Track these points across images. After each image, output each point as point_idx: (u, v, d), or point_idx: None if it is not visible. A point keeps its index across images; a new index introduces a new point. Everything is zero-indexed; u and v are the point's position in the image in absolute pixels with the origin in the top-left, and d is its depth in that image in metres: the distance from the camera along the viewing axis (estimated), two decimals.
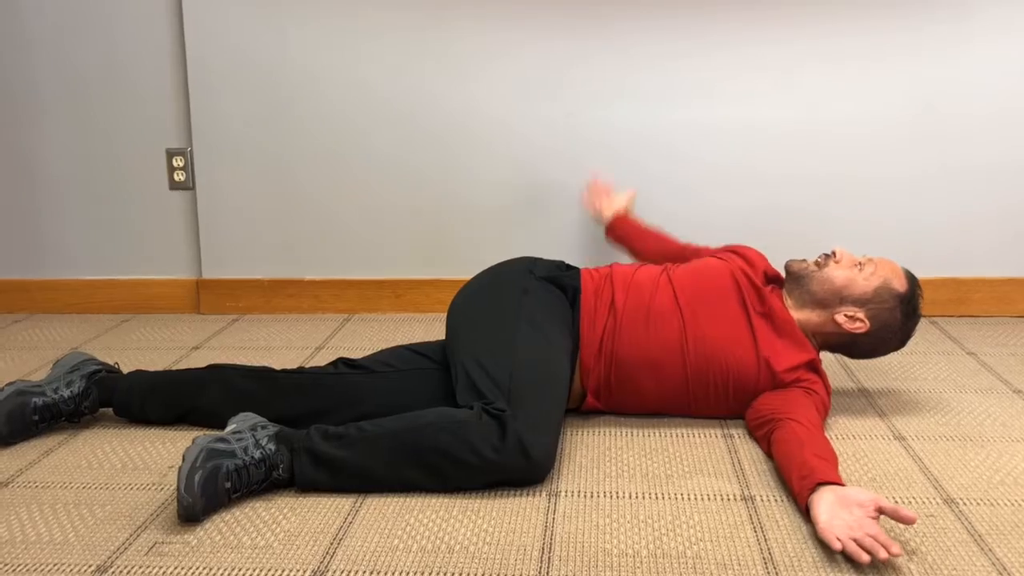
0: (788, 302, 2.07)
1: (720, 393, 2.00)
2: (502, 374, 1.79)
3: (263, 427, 1.72)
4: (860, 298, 2.00)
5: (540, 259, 2.14)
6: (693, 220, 2.90)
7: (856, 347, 2.06)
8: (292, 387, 1.97)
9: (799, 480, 1.64)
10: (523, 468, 1.69)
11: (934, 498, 1.69)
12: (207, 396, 2.00)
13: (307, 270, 3.07)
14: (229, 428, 1.70)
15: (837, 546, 1.45)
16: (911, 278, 2.05)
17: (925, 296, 2.86)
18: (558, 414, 1.82)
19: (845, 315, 2.00)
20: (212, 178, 3.01)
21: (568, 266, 2.14)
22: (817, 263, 2.06)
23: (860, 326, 2.00)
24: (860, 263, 2.03)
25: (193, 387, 2.03)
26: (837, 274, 2.02)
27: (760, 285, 2.05)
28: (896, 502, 1.68)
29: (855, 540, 1.44)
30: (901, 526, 1.58)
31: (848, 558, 1.47)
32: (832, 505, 1.52)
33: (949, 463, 1.85)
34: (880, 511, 1.48)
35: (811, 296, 2.03)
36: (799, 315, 2.05)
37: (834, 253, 2.05)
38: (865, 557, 1.42)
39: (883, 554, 1.42)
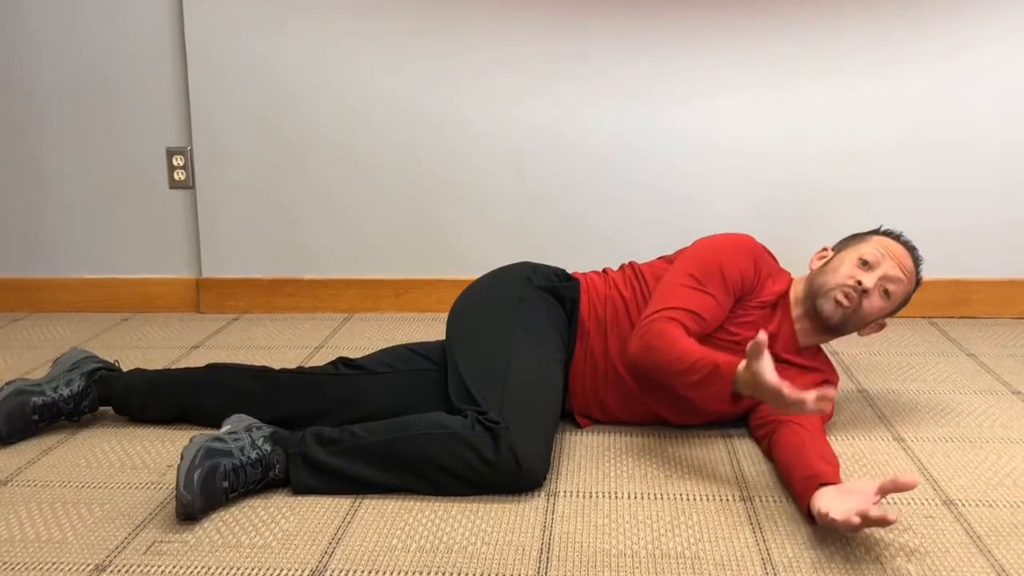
0: (802, 325, 1.98)
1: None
2: (496, 383, 1.79)
3: (258, 428, 1.72)
4: (888, 316, 1.97)
5: (540, 265, 2.12)
6: (688, 225, 2.90)
7: None
8: (291, 387, 1.96)
9: (801, 481, 1.63)
10: (516, 479, 1.69)
11: (933, 499, 1.69)
12: (206, 396, 2.00)
13: (307, 269, 3.07)
14: (224, 428, 1.70)
15: (833, 520, 1.45)
16: (915, 260, 1.96)
17: (924, 297, 2.88)
18: (551, 425, 1.82)
19: (869, 329, 1.98)
20: (212, 177, 3.01)
21: (568, 276, 2.12)
22: (853, 302, 1.89)
23: (879, 328, 1.99)
24: (887, 289, 1.90)
25: (192, 387, 2.03)
26: (871, 311, 1.91)
27: (778, 353, 1.95)
28: (895, 503, 1.68)
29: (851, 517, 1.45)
30: (901, 525, 1.58)
31: (850, 548, 1.47)
32: (833, 498, 1.52)
33: (948, 464, 1.85)
34: (881, 491, 1.46)
35: (842, 331, 1.97)
36: (815, 339, 1.99)
37: (865, 291, 1.88)
38: (856, 520, 1.42)
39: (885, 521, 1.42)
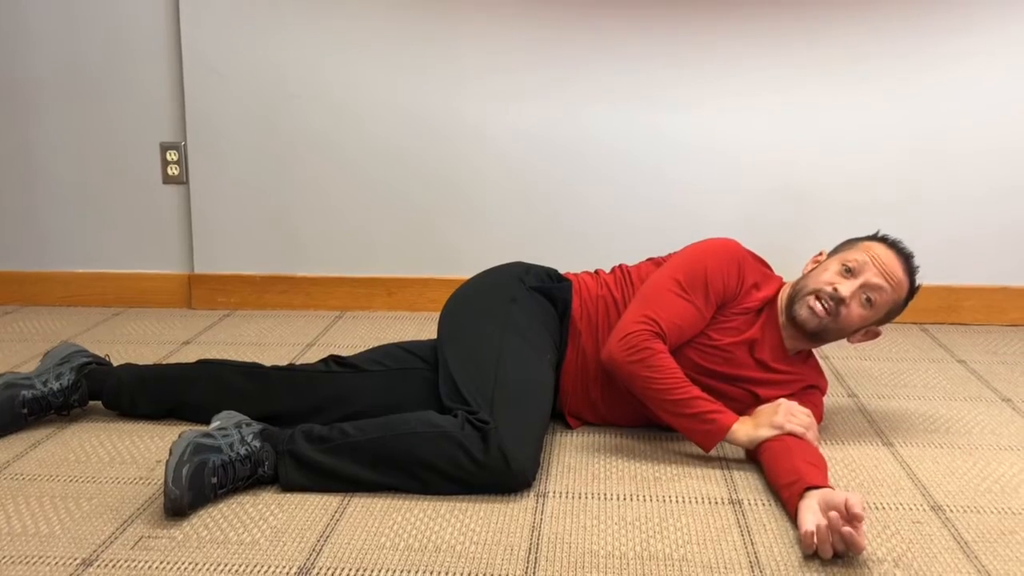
0: (788, 331, 1.96)
1: None
2: (486, 382, 1.79)
3: (247, 424, 1.72)
4: (875, 325, 1.95)
5: (533, 266, 2.12)
6: (681, 230, 2.90)
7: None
8: (282, 384, 1.96)
9: (787, 487, 1.64)
10: (505, 479, 1.69)
11: (921, 505, 1.70)
12: (197, 391, 2.00)
13: (299, 266, 3.06)
14: (214, 425, 1.70)
15: (807, 552, 1.50)
16: (909, 269, 1.93)
17: (915, 304, 2.87)
18: (541, 425, 1.82)
19: (860, 336, 1.97)
20: (206, 173, 3.01)
21: (560, 276, 2.12)
22: (827, 310, 1.87)
23: (872, 336, 1.98)
24: (869, 297, 1.87)
25: (183, 382, 2.02)
26: (852, 319, 1.89)
27: (766, 361, 1.96)
28: (884, 508, 1.68)
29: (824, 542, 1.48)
30: (890, 530, 1.59)
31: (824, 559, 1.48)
32: (815, 512, 1.53)
33: (937, 470, 1.85)
34: (847, 508, 1.46)
35: (827, 338, 1.95)
36: (802, 344, 1.98)
37: (842, 299, 1.86)
38: (828, 552, 1.47)
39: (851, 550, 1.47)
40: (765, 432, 1.78)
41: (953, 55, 2.79)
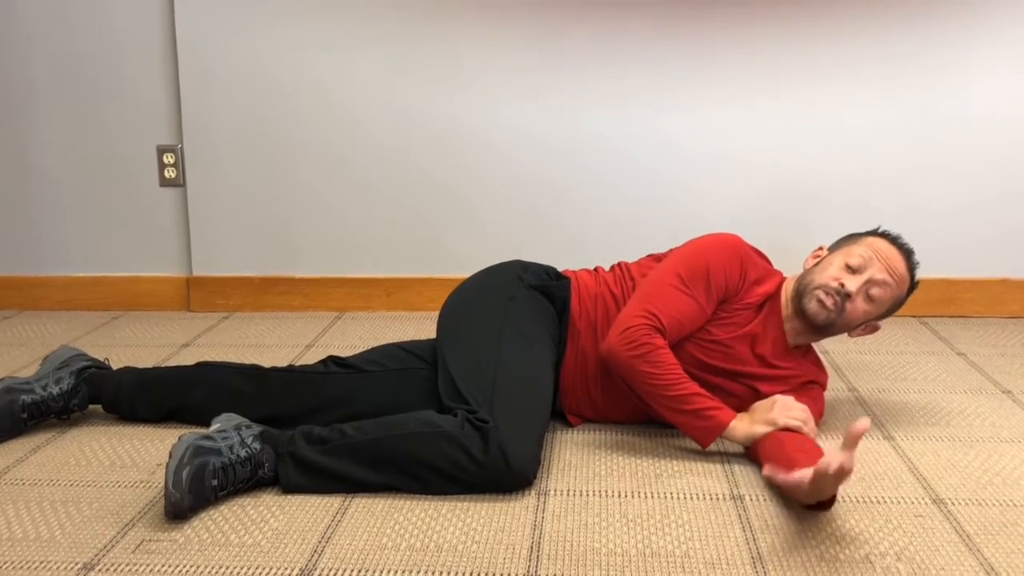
0: (791, 325, 1.97)
1: None
2: (486, 382, 1.78)
3: (247, 426, 1.72)
4: (877, 320, 1.97)
5: (531, 264, 2.12)
6: (679, 229, 2.90)
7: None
8: (282, 386, 1.96)
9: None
10: (506, 479, 1.69)
11: (923, 498, 1.70)
12: (197, 394, 2.00)
13: (298, 268, 3.06)
14: (214, 427, 1.70)
15: (775, 478, 1.58)
16: (910, 264, 1.94)
17: (914, 297, 2.87)
18: (541, 424, 1.82)
19: (860, 331, 1.98)
20: (203, 175, 3.00)
21: (559, 275, 2.11)
22: (835, 304, 1.88)
23: (872, 330, 1.99)
24: (872, 293, 1.89)
25: (183, 385, 2.02)
26: (856, 315, 1.91)
27: (767, 356, 1.96)
28: (885, 502, 1.68)
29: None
30: (892, 523, 1.58)
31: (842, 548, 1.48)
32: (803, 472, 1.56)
33: (938, 463, 1.85)
34: (846, 447, 1.46)
35: (830, 332, 1.96)
36: (805, 339, 1.99)
37: (848, 295, 1.87)
38: (794, 477, 1.53)
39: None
40: (761, 428, 1.78)
41: (952, 54, 2.79)
